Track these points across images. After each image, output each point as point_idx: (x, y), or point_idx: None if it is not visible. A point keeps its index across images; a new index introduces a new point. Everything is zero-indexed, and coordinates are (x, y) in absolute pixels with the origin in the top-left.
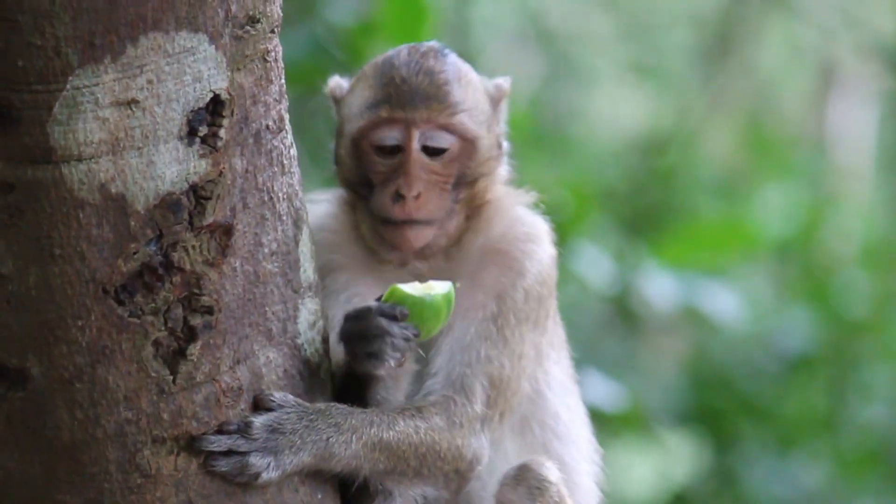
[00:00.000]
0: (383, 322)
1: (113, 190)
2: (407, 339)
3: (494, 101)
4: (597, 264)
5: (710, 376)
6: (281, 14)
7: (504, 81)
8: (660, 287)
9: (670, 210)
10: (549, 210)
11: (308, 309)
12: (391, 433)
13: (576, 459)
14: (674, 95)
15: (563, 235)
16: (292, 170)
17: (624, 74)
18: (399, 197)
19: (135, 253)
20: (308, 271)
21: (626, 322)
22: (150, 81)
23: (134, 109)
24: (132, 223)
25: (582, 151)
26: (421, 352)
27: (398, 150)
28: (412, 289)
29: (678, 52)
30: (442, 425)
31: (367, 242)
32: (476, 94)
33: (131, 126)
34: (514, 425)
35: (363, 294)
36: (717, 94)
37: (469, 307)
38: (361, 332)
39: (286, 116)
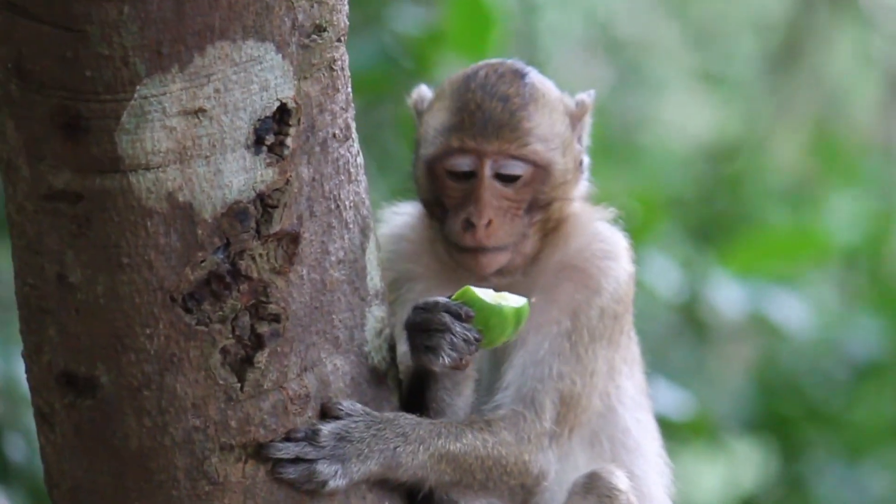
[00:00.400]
0: (447, 318)
1: (180, 199)
2: (467, 341)
3: (575, 119)
4: (665, 273)
5: (778, 384)
6: (347, 23)
7: (587, 96)
8: (728, 295)
9: (738, 218)
10: (618, 219)
11: (375, 317)
12: (458, 445)
13: (645, 471)
14: (741, 103)
15: (632, 244)
16: (359, 178)
17: (692, 82)
18: (470, 225)
19: (202, 261)
20: (375, 279)
21: (694, 330)
22: (217, 90)
23: (201, 118)
24: (199, 232)
25: (650, 160)
26: (481, 361)
27: (471, 175)
28: (484, 294)
29: (746, 60)
30: (510, 440)
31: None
32: (553, 117)
33: (198, 135)
34: (583, 438)
35: None
36: (784, 102)
37: (543, 322)
38: (424, 324)
39: (353, 125)
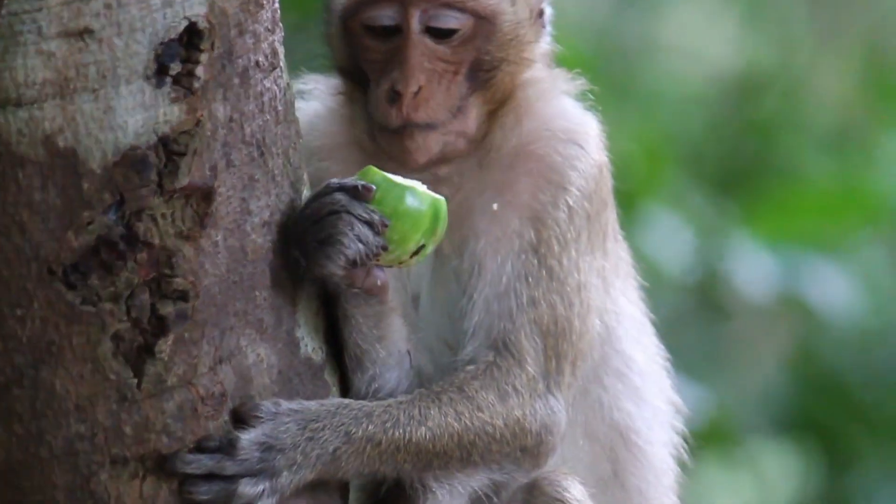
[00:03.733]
0: (342, 197)
1: (61, 143)
2: (372, 226)
3: None
4: (674, 238)
5: (817, 380)
6: None
7: None
8: (754, 268)
9: (768, 170)
10: (614, 170)
11: (308, 293)
12: (422, 431)
13: (650, 426)
14: (773, 24)
15: (631, 201)
16: (289, 117)
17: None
18: (395, 96)
19: (89, 223)
20: None
21: (712, 312)
22: (107, 5)
23: (87, 41)
24: (85, 186)
25: (656, 96)
26: (408, 294)
27: (395, 32)
28: (394, 176)
29: None
30: (491, 400)
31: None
32: None
33: (84, 62)
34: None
35: None
36: (828, 25)
37: (501, 236)
38: (314, 215)
39: (281, 50)
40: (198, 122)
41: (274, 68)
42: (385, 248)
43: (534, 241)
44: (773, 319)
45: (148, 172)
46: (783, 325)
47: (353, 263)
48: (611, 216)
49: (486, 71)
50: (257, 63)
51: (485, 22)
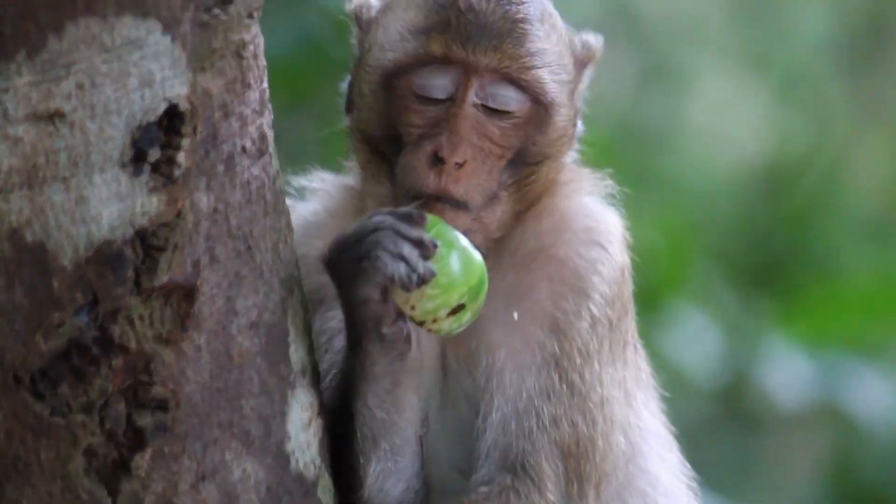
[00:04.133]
0: (388, 217)
1: (29, 238)
2: (422, 246)
3: (579, 63)
4: (700, 339)
5: (857, 497)
6: None
7: (595, 39)
8: (788, 372)
9: (803, 263)
10: (636, 263)
11: (301, 402)
12: None
13: None
14: (807, 102)
15: (654, 298)
16: (279, 208)
17: (737, 72)
18: (437, 161)
19: (59, 325)
20: (301, 350)
21: (741, 421)
22: (80, 86)
23: (58, 125)
24: (55, 284)
25: (680, 181)
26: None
27: (446, 99)
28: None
29: (814, 43)
30: None
31: None
32: (561, 45)
33: (54, 148)
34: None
35: None
36: (868, 101)
37: (521, 348)
38: (355, 235)
39: (270, 134)
40: (178, 214)
41: (262, 154)
42: (431, 275)
43: (557, 354)
44: (808, 430)
45: (124, 269)
46: (820, 437)
47: (391, 282)
48: (631, 323)
49: (529, 164)
50: (244, 148)
51: (542, 110)
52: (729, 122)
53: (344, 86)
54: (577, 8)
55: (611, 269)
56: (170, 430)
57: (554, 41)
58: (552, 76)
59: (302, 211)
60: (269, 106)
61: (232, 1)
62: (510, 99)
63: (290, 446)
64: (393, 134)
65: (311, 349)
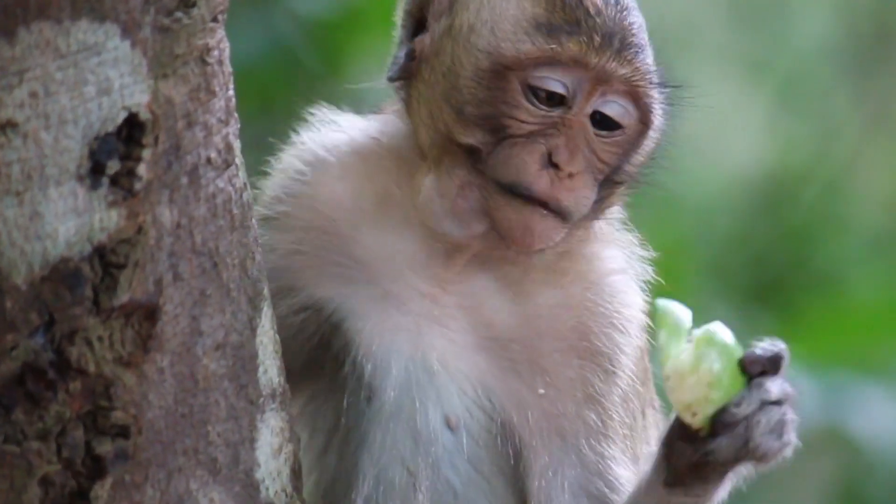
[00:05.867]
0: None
1: None
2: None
3: None
4: None
5: None
6: None
7: None
8: None
9: (806, 279)
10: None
11: (270, 428)
12: None
13: None
14: (811, 111)
15: (647, 316)
16: (246, 223)
17: (735, 78)
18: (551, 166)
19: (12, 348)
20: (270, 372)
21: None
22: (33, 95)
23: (10, 136)
24: (8, 304)
25: (676, 193)
26: None
27: (560, 103)
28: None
29: (817, 48)
30: None
31: (425, 220)
32: None
33: (6, 160)
34: None
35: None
36: (876, 110)
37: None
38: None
39: (236, 144)
40: (139, 229)
41: (228, 165)
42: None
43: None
44: (812, 454)
45: (81, 288)
46: (824, 461)
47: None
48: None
49: (611, 184)
50: (209, 160)
51: (643, 130)
52: (726, 131)
53: (398, 47)
54: None
55: (633, 346)
56: (131, 458)
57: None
58: (657, 93)
59: (310, 142)
60: (236, 115)
61: (195, 4)
62: (626, 114)
63: (259, 474)
64: (492, 122)
65: (281, 370)
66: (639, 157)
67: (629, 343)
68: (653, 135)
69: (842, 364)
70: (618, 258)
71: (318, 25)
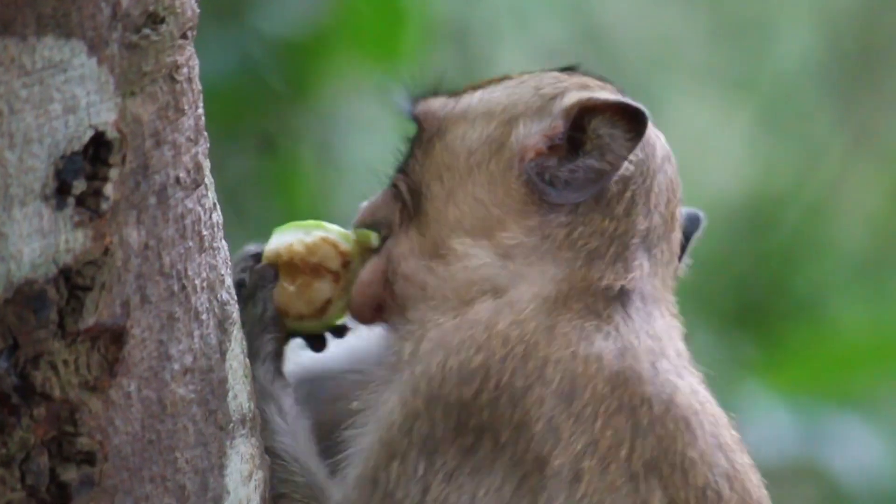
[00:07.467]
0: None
1: None
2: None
3: None
4: None
5: None
6: (197, 11)
7: None
8: (769, 425)
9: (788, 306)
10: None
11: (240, 454)
12: None
13: None
14: (794, 131)
15: None
16: (215, 244)
17: (715, 97)
18: None
19: None
20: (241, 397)
21: None
22: None
23: None
24: None
25: None
26: None
27: None
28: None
29: (799, 66)
30: None
31: None
32: None
33: None
34: None
35: None
36: (860, 131)
37: None
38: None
39: (205, 164)
40: (106, 251)
41: (197, 185)
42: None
43: None
44: (788, 487)
45: (46, 311)
46: (801, 494)
47: None
48: None
49: None
50: (177, 179)
51: None
52: (706, 152)
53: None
54: (544, 32)
55: None
56: (97, 485)
57: None
58: None
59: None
60: (205, 133)
61: (164, 20)
62: None
63: (228, 501)
64: None
65: (251, 396)
66: None
67: None
68: None
69: (822, 392)
70: None
71: (284, 46)
